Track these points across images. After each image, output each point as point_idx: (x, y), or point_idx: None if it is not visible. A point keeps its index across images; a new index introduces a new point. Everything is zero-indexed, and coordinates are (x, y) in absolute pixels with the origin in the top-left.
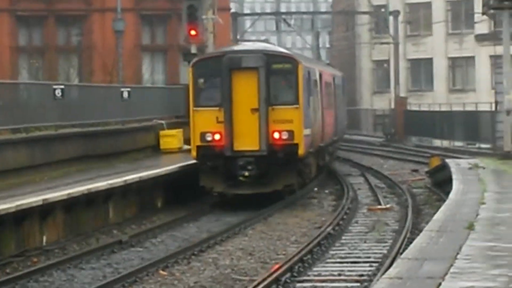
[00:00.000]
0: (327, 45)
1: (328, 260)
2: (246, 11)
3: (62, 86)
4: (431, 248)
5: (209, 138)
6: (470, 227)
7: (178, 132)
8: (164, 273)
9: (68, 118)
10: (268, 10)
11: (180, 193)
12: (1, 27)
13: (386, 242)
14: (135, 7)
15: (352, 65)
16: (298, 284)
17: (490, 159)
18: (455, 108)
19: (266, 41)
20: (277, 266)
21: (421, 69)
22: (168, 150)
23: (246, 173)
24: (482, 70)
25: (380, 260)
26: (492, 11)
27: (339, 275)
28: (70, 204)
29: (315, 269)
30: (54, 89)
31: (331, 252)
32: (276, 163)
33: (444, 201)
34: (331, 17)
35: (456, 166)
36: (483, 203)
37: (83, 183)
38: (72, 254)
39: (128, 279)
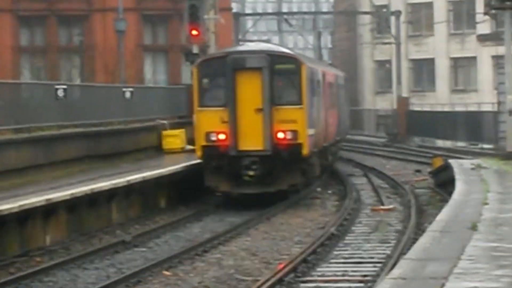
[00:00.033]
0: (329, 45)
1: (332, 261)
2: (248, 11)
3: (65, 86)
4: (435, 248)
5: (213, 138)
6: (474, 227)
7: (180, 132)
8: (168, 273)
9: (70, 118)
10: (270, 10)
11: (184, 193)
12: (3, 27)
13: (389, 243)
14: (136, 7)
15: (354, 65)
16: (302, 285)
17: (492, 159)
18: (457, 109)
19: (267, 41)
20: (281, 265)
21: (423, 69)
22: (170, 150)
23: (251, 173)
24: (484, 71)
25: (383, 260)
26: (494, 11)
27: (343, 275)
28: (73, 204)
29: (318, 269)
30: (56, 89)
31: (335, 253)
32: (280, 162)
33: (447, 201)
34: (333, 17)
35: (459, 166)
36: (486, 204)
37: (86, 183)
38: (75, 254)
39: (131, 279)
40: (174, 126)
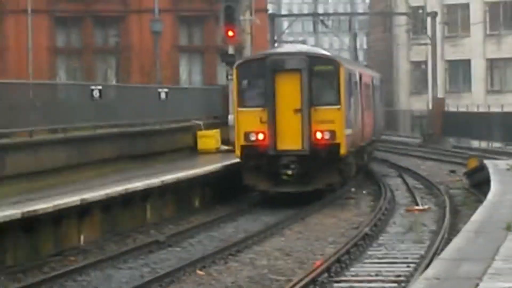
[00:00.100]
0: (365, 46)
1: (366, 261)
2: (284, 12)
3: (100, 87)
4: (469, 248)
5: (253, 138)
6: (508, 228)
7: (215, 133)
8: (202, 273)
9: (105, 119)
10: (305, 11)
11: (218, 193)
12: (39, 28)
13: (423, 243)
14: (172, 8)
15: (389, 66)
16: (336, 284)
17: None
18: (493, 109)
19: (303, 42)
20: (318, 263)
21: (459, 70)
22: (205, 150)
23: (289, 172)
24: None
25: (417, 260)
26: None
27: (377, 275)
28: (107, 204)
29: (352, 269)
30: (92, 90)
31: (369, 253)
32: (318, 162)
33: (482, 202)
34: (368, 18)
35: (494, 167)
36: None
37: (120, 183)
38: (109, 254)
39: (165, 279)
40: (209, 127)
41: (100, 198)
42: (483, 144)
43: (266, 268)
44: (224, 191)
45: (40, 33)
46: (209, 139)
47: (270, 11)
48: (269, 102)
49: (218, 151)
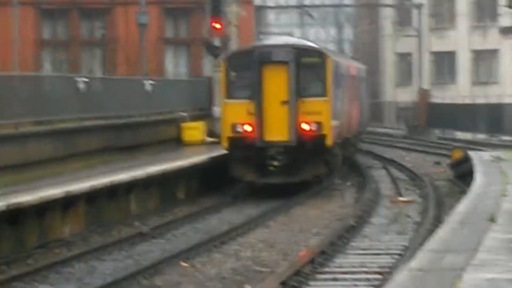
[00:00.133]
0: (351, 38)
1: (350, 252)
2: (270, 4)
3: (86, 79)
4: (453, 240)
5: (240, 130)
6: (492, 219)
7: (200, 125)
8: (186, 264)
9: (91, 111)
10: (291, 3)
11: (203, 185)
12: (25, 21)
13: (407, 234)
14: (158, 0)
15: (375, 58)
16: (319, 276)
17: None
18: (478, 101)
19: (290, 34)
20: (303, 254)
21: (445, 62)
22: (190, 142)
23: (276, 163)
24: (506, 63)
25: (401, 252)
26: None
27: (361, 267)
28: (92, 196)
29: (336, 260)
30: (78, 82)
31: (353, 244)
32: (305, 153)
33: (466, 193)
34: (354, 10)
35: (479, 158)
36: (505, 195)
37: (105, 175)
38: (94, 246)
39: (149, 271)
40: (194, 119)
41: (85, 190)
42: (468, 136)
43: (250, 260)
44: (209, 183)
45: (26, 25)
46: (194, 131)
47: (256, 3)
48: (256, 94)
49: (203, 143)
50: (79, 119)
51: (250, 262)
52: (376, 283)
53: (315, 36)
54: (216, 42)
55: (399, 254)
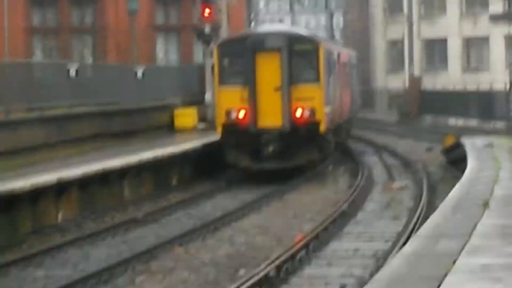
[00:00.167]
0: (341, 25)
1: (344, 237)
2: None
3: (76, 66)
4: (446, 225)
5: (234, 116)
6: (485, 204)
7: (192, 111)
8: (180, 250)
9: (82, 98)
10: None
11: (196, 171)
12: (15, 8)
13: (401, 220)
14: None
15: (366, 45)
16: (314, 261)
17: (504, 137)
18: (469, 88)
19: (280, 21)
20: (298, 238)
21: (436, 49)
22: (182, 128)
23: (270, 149)
24: (497, 50)
25: (395, 237)
26: None
27: (355, 252)
28: (85, 182)
29: (330, 246)
30: (68, 69)
31: (346, 230)
32: (298, 139)
33: (459, 179)
34: None
35: (471, 144)
36: (498, 181)
37: (98, 161)
38: (87, 232)
39: (144, 256)
40: (186, 105)
41: (78, 176)
42: (460, 122)
43: (244, 245)
44: (202, 169)
45: (15, 13)
46: (186, 117)
47: None
48: (249, 80)
49: (195, 129)
50: (71, 106)
51: (244, 248)
52: (371, 268)
53: (306, 23)
54: (207, 29)
55: (393, 240)
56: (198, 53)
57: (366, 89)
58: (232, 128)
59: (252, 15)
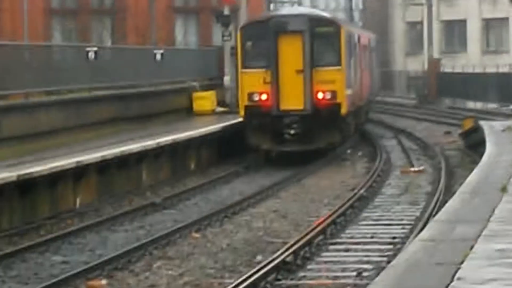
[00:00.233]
0: (360, 7)
1: (361, 223)
2: None
3: (96, 48)
4: (464, 210)
5: (256, 98)
6: (503, 189)
7: (211, 94)
8: (197, 235)
9: (101, 80)
10: None
11: (214, 156)
12: None
13: (419, 205)
14: None
15: (385, 27)
16: (331, 246)
17: None
18: (488, 70)
19: (299, 3)
20: (322, 219)
21: (455, 31)
22: (201, 112)
23: (292, 131)
24: None
25: (413, 222)
26: None
27: (372, 237)
28: (103, 166)
29: (348, 231)
30: (87, 51)
31: (364, 215)
32: (320, 121)
33: (477, 163)
34: None
35: (490, 128)
36: None
37: (116, 145)
38: (105, 216)
39: (161, 241)
40: (205, 88)
41: (96, 160)
42: (479, 105)
43: (261, 230)
44: (220, 153)
45: None
46: (204, 100)
47: None
48: (272, 63)
49: (213, 112)
50: (89, 89)
51: (262, 233)
52: (388, 253)
53: (325, 5)
54: (226, 11)
55: (411, 225)
56: (217, 35)
57: (385, 71)
58: (254, 111)
59: None
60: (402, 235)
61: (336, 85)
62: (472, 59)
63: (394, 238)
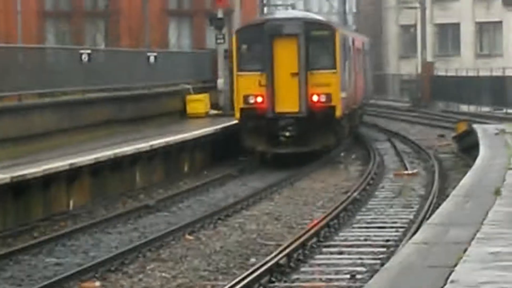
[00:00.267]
0: (354, 10)
1: (354, 225)
2: None
3: (89, 51)
4: (458, 213)
5: (251, 101)
6: (497, 192)
7: (204, 97)
8: (191, 237)
9: (94, 83)
10: None
11: (207, 158)
12: None
13: (412, 208)
14: None
15: (378, 30)
16: (324, 249)
17: None
18: (482, 73)
19: (293, 6)
20: (315, 221)
21: (448, 34)
22: (194, 115)
23: (287, 134)
24: (510, 35)
25: (406, 225)
26: None
27: (365, 240)
28: (97, 169)
29: (341, 234)
30: (81, 54)
31: (358, 217)
32: (315, 124)
33: (471, 166)
34: None
35: (483, 131)
36: (510, 169)
37: (110, 147)
38: (98, 219)
39: (154, 243)
40: (198, 91)
41: (89, 162)
42: (472, 108)
43: (255, 233)
44: (214, 156)
45: None
46: (198, 103)
47: None
48: (267, 66)
49: (207, 115)
50: (83, 91)
51: (255, 235)
52: (382, 256)
53: (318, 8)
54: (219, 14)
55: (404, 228)
56: (210, 38)
57: (379, 74)
58: (249, 113)
59: (265, 0)
60: (396, 238)
61: (331, 88)
62: (465, 63)
63: (387, 241)
